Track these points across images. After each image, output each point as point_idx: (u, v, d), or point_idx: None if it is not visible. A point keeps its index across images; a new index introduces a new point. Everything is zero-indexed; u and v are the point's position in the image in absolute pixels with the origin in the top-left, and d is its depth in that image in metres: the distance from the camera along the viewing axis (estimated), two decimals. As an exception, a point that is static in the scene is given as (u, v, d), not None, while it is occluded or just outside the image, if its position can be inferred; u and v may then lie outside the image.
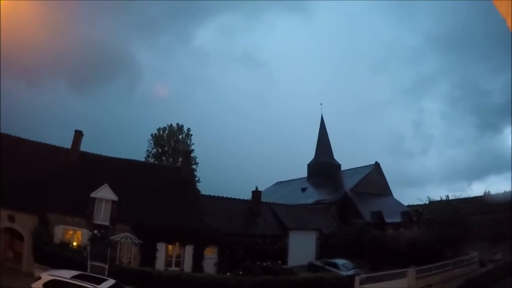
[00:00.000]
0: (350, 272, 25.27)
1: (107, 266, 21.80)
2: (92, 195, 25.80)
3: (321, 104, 63.40)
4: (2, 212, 23.98)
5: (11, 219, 24.21)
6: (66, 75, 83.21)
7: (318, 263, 29.54)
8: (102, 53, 75.98)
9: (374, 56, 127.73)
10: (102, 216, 25.98)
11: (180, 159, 44.89)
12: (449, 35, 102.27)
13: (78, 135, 30.44)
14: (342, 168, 56.34)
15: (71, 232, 25.51)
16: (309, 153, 61.28)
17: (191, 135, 53.43)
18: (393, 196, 49.72)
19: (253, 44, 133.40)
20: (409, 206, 45.36)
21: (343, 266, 27.06)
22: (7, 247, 25.80)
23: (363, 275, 24.09)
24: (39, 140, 29.98)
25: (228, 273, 23.89)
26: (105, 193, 26.17)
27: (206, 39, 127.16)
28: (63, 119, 69.75)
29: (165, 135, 52.04)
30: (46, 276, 16.37)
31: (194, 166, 47.23)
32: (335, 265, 27.34)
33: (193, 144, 52.80)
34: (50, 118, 72.22)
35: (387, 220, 39.49)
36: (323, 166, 56.31)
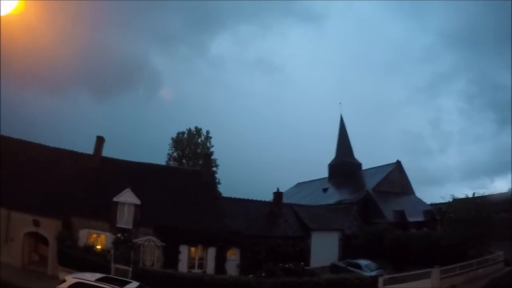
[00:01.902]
0: (373, 273, 25.06)
1: (130, 269, 22.14)
2: (115, 199, 26.21)
3: (340, 103, 63.04)
4: (27, 217, 24.80)
5: (36, 224, 24.95)
6: (88, 84, 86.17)
7: (341, 264, 29.36)
8: (123, 64, 78.64)
9: (387, 57, 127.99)
10: (125, 219, 26.36)
11: (200, 162, 45.28)
12: (462, 32, 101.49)
13: (100, 141, 31.20)
14: (363, 168, 55.88)
15: (95, 235, 25.94)
16: (330, 153, 60.97)
17: (211, 137, 53.81)
18: (415, 195, 49.01)
19: (267, 50, 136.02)
20: (432, 204, 44.76)
21: (366, 267, 26.79)
22: (32, 251, 26.58)
23: (387, 276, 23.87)
24: (62, 147, 30.91)
25: (251, 275, 23.94)
26: (127, 197, 26.54)
27: (221, 47, 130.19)
28: (85, 126, 71.34)
29: (184, 138, 52.50)
30: (71, 278, 16.67)
31: (214, 169, 47.57)
32: (358, 266, 27.13)
33: (212, 146, 53.28)
34: (73, 126, 74.00)
35: (410, 219, 38.97)
36: (344, 165, 55.81)
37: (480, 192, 31.42)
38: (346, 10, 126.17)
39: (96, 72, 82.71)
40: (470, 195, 31.11)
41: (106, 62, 79.40)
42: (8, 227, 24.93)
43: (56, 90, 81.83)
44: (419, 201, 46.98)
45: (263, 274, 24.26)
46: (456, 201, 31.89)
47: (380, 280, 22.94)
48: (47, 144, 30.50)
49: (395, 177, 48.37)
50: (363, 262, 27.67)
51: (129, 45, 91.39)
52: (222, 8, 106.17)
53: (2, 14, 7.13)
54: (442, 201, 34.07)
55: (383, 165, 50.99)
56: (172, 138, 52.91)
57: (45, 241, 25.57)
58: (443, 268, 24.12)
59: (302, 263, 27.27)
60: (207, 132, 53.92)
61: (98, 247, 25.41)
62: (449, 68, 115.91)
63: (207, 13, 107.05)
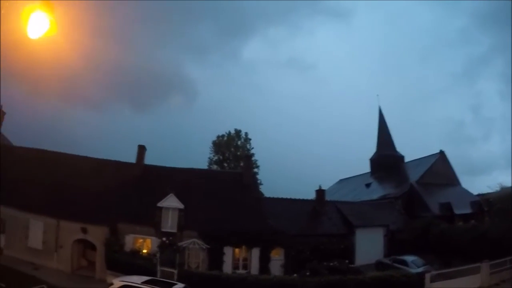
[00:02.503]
0: (420, 269, 24.52)
1: (176, 271, 22.83)
2: (159, 204, 27.13)
3: (377, 95, 62.22)
4: (75, 226, 26.26)
5: (84, 231, 26.34)
6: (128, 98, 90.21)
7: (387, 260, 28.90)
8: (159, 75, 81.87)
9: (421, 45, 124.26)
10: (169, 224, 27.25)
11: (241, 164, 45.68)
12: (495, 11, 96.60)
13: (142, 149, 32.36)
14: (405, 160, 54.60)
15: (141, 240, 27.03)
16: (371, 148, 59.93)
17: (250, 139, 53.96)
18: (461, 185, 47.37)
19: (299, 50, 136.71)
20: (479, 195, 43.21)
21: (413, 263, 26.18)
22: (81, 256, 28.08)
23: (434, 272, 23.41)
24: (106, 157, 32.51)
25: (295, 274, 24.09)
26: (171, 202, 27.37)
27: (253, 51, 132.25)
28: (127, 137, 73.96)
29: (224, 141, 53.06)
30: (118, 282, 17.46)
31: (255, 170, 47.65)
32: (404, 263, 26.56)
33: (253, 148, 53.40)
34: (115, 137, 76.89)
35: (456, 211, 37.71)
36: (386, 159, 54.42)
37: None
38: (374, 1, 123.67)
39: (134, 85, 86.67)
40: None
41: (143, 75, 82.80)
42: (58, 236, 26.41)
43: (98, 106, 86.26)
44: (466, 192, 45.30)
45: (308, 273, 24.36)
46: (504, 190, 30.71)
47: (427, 276, 22.52)
48: (92, 156, 32.08)
49: (439, 168, 46.83)
50: (409, 258, 27.07)
51: (163, 57, 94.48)
52: (250, 13, 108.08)
53: (35, 37, 7.48)
54: (490, 191, 32.94)
55: (426, 156, 49.47)
56: (213, 142, 53.58)
57: (93, 247, 26.93)
58: (493, 262, 23.39)
59: (347, 261, 27.12)
60: (246, 134, 54.16)
61: (144, 251, 26.48)
62: (486, 50, 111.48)
63: (236, 19, 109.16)
